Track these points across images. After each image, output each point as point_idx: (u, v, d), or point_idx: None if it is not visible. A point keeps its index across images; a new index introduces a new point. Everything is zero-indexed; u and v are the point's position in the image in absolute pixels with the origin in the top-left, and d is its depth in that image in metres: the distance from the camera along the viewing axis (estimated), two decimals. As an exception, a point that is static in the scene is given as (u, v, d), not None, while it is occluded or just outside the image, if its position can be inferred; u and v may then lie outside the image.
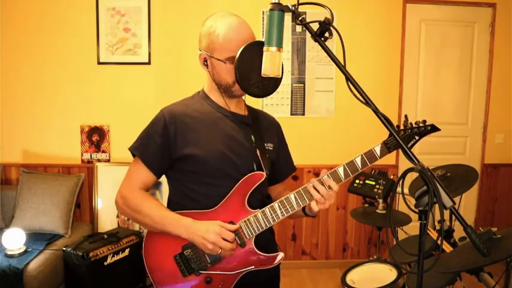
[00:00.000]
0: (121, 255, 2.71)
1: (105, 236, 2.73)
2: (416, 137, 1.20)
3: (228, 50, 1.24)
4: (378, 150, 1.19)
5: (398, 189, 1.01)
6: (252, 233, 1.25)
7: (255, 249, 1.26)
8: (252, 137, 1.33)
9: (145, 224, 1.28)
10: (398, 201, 3.16)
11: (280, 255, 1.28)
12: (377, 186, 2.52)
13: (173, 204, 1.34)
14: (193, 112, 1.31)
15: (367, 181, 2.55)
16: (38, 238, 2.78)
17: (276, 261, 1.28)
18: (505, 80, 3.52)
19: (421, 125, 1.20)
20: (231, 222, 1.25)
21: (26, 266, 2.44)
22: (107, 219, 3.14)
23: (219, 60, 1.25)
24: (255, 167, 1.29)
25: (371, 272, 2.15)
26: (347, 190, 2.60)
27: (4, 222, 2.97)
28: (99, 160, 3.27)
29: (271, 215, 1.24)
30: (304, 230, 3.47)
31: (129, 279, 2.79)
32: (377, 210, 2.49)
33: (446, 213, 1.01)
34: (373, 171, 2.62)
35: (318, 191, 1.20)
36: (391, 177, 2.67)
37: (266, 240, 1.33)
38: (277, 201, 1.25)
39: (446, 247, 2.11)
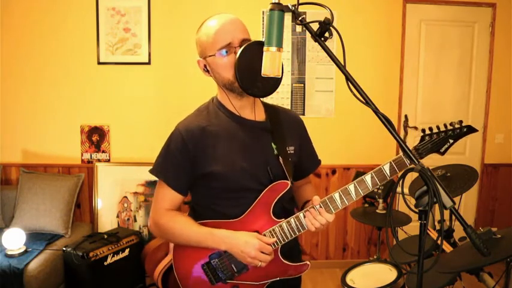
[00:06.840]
0: (121, 255, 2.70)
1: (105, 236, 2.73)
2: (451, 141, 1.10)
3: (215, 41, 1.21)
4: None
5: (398, 189, 1.01)
6: (278, 243, 1.23)
7: (282, 259, 1.26)
8: (273, 144, 1.29)
9: (182, 243, 1.28)
10: (398, 201, 3.16)
11: (307, 264, 1.28)
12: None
13: (197, 215, 1.33)
14: (210, 126, 1.27)
15: (367, 181, 2.54)
16: (38, 238, 2.77)
17: (302, 271, 1.28)
18: (505, 80, 3.52)
19: (456, 126, 1.08)
20: (257, 232, 1.23)
21: (26, 266, 2.43)
22: (107, 219, 3.14)
23: (211, 56, 1.22)
24: (271, 176, 1.26)
25: (371, 272, 2.16)
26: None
27: (4, 222, 2.97)
28: (99, 160, 3.26)
29: (296, 225, 1.23)
30: (304, 230, 3.46)
31: (129, 279, 2.79)
32: (377, 210, 2.49)
33: (446, 213, 1.01)
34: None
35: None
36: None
37: (290, 248, 1.31)
38: (303, 211, 1.23)
39: (446, 247, 2.12)
